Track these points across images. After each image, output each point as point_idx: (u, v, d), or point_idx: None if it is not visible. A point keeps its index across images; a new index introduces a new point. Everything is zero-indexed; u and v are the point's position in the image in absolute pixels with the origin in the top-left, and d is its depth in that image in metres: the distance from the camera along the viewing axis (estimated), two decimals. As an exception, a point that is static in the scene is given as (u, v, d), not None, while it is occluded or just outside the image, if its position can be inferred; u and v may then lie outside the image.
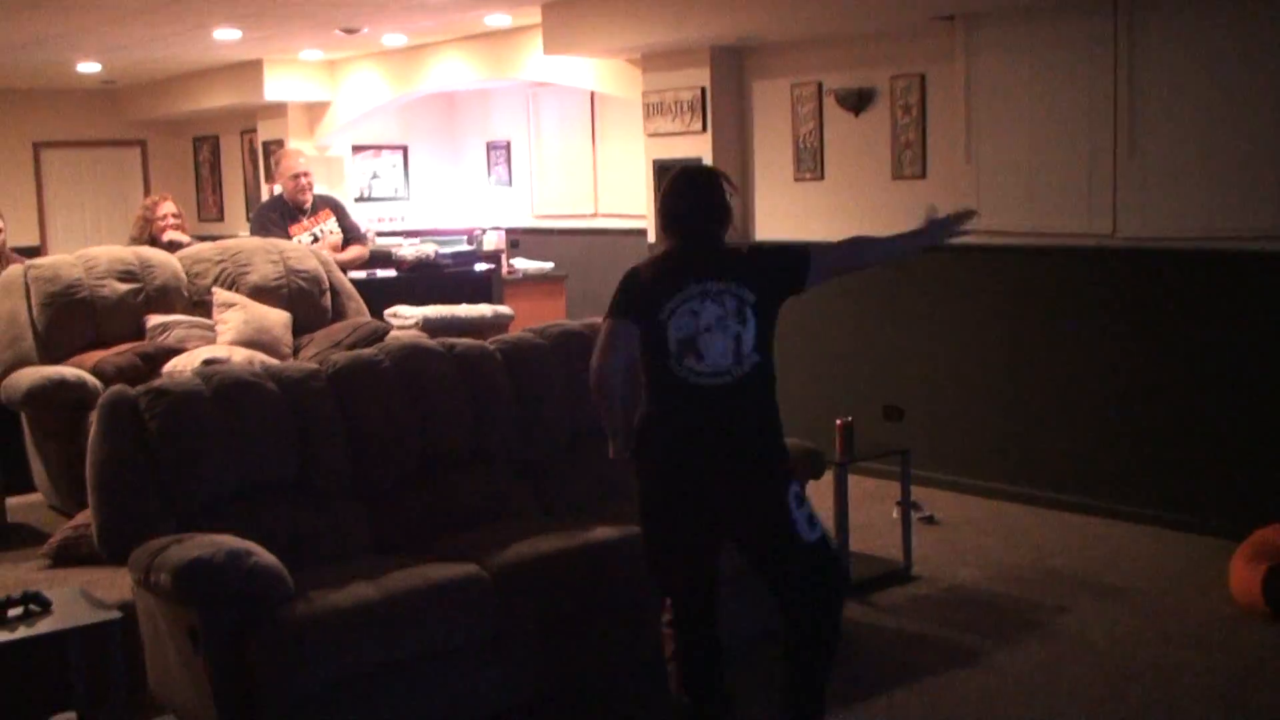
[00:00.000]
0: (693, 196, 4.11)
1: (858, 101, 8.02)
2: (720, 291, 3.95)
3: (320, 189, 8.83)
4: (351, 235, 8.34)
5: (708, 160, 8.45)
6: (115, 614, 3.85)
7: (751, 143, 8.76)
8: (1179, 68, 6.47)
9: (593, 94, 10.66)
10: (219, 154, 14.41)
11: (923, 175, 7.74)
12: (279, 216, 8.08)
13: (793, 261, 4.10)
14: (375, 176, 12.73)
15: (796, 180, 8.48)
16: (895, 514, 6.70)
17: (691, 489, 3.96)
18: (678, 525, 4.02)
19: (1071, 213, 6.94)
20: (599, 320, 5.78)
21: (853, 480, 6.01)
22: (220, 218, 14.26)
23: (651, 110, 9.04)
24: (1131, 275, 6.73)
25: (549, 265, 10.32)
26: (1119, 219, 6.74)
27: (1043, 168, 7.04)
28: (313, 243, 7.97)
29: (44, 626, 3.78)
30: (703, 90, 8.67)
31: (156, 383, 4.68)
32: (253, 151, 13.48)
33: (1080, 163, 6.87)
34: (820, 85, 8.26)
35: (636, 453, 4.07)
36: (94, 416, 4.56)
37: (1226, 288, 6.39)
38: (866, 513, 6.91)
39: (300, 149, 9.88)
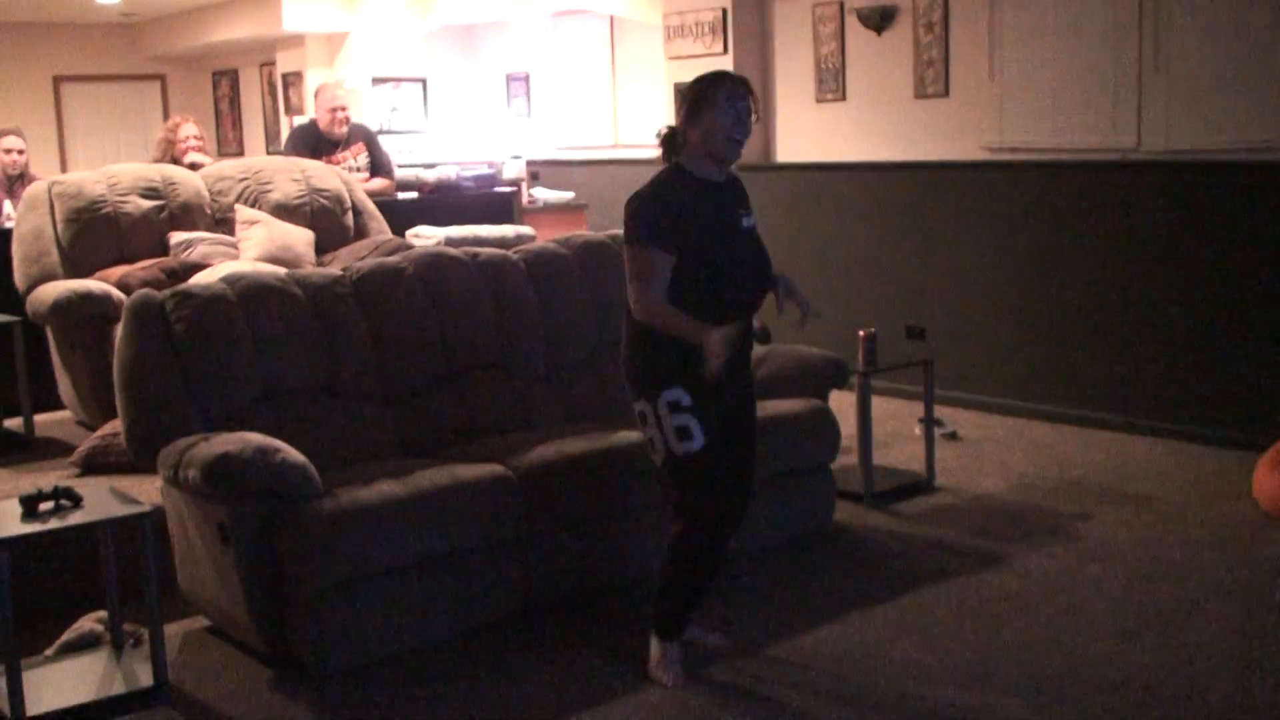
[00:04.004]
0: None
1: (880, 20, 7.96)
2: None
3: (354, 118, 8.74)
4: (380, 168, 8.27)
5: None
6: (146, 507, 3.86)
7: (773, 64, 8.71)
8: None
9: (612, 22, 10.59)
10: (238, 88, 14.40)
11: (945, 94, 7.69)
12: (310, 150, 8.01)
13: None
14: (394, 109, 12.67)
15: (818, 101, 8.43)
16: (918, 430, 6.70)
17: None
18: None
19: (1095, 128, 6.90)
20: (620, 232, 5.79)
21: (874, 401, 6.01)
22: (240, 152, 14.22)
23: (672, 32, 8.99)
24: (1154, 189, 6.67)
25: (569, 194, 10.27)
26: (1143, 133, 6.70)
27: (1067, 83, 6.99)
28: None
29: (75, 519, 3.79)
30: (724, 11, 8.62)
31: (182, 286, 4.69)
32: (272, 85, 13.43)
33: (1105, 77, 6.82)
34: (842, 4, 8.21)
35: None
36: (120, 323, 4.57)
37: (1251, 199, 6.33)
38: (888, 429, 6.92)
39: (342, 81, 9.80)
